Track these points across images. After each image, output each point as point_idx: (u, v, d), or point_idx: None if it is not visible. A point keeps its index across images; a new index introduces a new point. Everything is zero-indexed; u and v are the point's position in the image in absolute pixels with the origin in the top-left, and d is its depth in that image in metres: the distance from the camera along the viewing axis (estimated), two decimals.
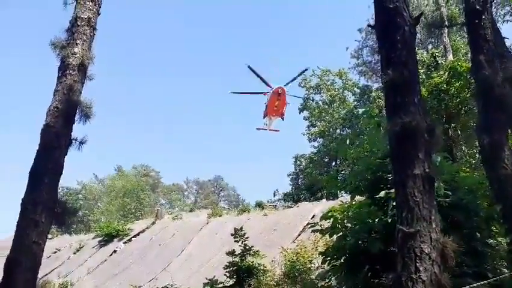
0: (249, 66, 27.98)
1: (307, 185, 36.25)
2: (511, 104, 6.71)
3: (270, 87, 28.02)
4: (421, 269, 4.53)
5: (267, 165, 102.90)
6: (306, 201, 30.97)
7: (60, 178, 6.29)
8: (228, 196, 69.53)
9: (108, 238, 28.66)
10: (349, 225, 8.91)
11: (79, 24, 6.85)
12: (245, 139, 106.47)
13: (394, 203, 8.26)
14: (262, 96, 27.84)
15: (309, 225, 10.67)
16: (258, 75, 27.58)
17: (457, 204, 8.00)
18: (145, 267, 23.53)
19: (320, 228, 9.84)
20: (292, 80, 29.71)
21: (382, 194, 8.55)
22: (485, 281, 5.97)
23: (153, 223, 30.35)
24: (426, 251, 4.57)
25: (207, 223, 27.24)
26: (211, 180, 69.30)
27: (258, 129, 32.60)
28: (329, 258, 9.71)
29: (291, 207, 27.07)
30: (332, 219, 9.15)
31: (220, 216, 28.47)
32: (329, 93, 32.62)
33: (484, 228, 8.30)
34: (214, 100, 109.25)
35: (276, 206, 30.27)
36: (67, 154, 6.39)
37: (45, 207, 5.88)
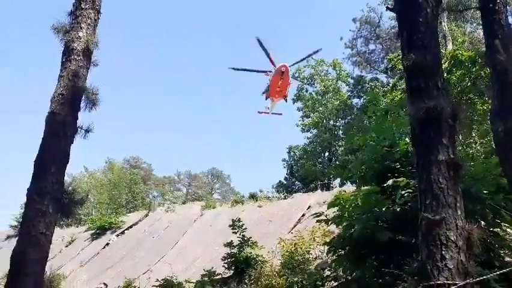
0: (258, 40, 27.11)
1: (301, 176, 36.28)
2: None
3: (274, 66, 27.23)
4: (447, 256, 4.45)
5: (261, 155, 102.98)
6: (301, 192, 31.04)
7: (66, 167, 6.05)
8: (222, 187, 69.34)
9: (101, 231, 28.36)
10: (356, 214, 8.83)
11: (83, 7, 6.55)
12: (239, 128, 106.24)
13: (403, 192, 8.29)
14: (262, 78, 27.07)
15: (313, 215, 10.60)
16: (265, 51, 26.69)
17: (464, 192, 8.00)
18: (138, 260, 23.34)
19: (324, 218, 9.78)
20: (301, 61, 28.89)
21: (390, 182, 8.48)
22: (500, 271, 5.91)
23: (146, 215, 30.14)
24: (452, 239, 4.49)
25: (201, 215, 27.13)
26: (204, 172, 69.18)
27: (259, 112, 31.85)
28: (333, 247, 9.66)
29: (286, 198, 27.08)
30: (339, 206, 9.05)
31: (213, 208, 28.37)
32: (323, 83, 32.53)
33: (490, 216, 8.31)
34: (206, 90, 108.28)
35: (269, 197, 30.21)
36: (73, 142, 6.14)
37: (52, 197, 5.64)
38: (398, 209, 8.09)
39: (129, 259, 23.78)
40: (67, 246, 28.52)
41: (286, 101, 28.63)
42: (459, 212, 4.63)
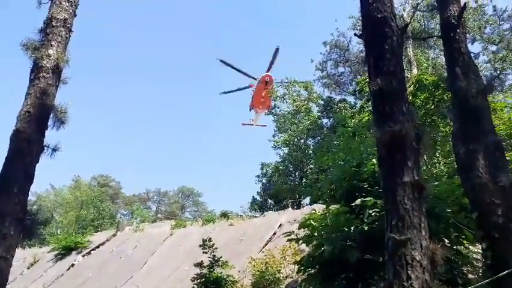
0: (220, 60, 26.81)
1: (272, 194, 36.32)
2: (484, 115, 6.97)
3: (253, 77, 27.16)
4: (413, 276, 4.55)
5: (234, 172, 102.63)
6: (272, 210, 31.02)
7: (30, 187, 5.85)
8: (194, 206, 68.34)
9: (66, 251, 27.35)
10: (326, 233, 8.94)
11: (54, 24, 6.48)
12: (212, 147, 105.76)
13: (370, 211, 8.48)
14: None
15: (284, 234, 10.63)
16: (234, 68, 26.54)
17: (428, 211, 8.25)
18: (105, 281, 22.58)
19: (295, 237, 9.83)
20: (271, 65, 28.81)
21: (358, 201, 8.67)
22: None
23: (114, 235, 29.33)
24: (417, 259, 4.60)
25: (171, 234, 26.66)
26: (175, 190, 68.07)
27: (243, 124, 31.68)
28: (303, 266, 9.69)
29: (257, 216, 27.01)
30: (310, 227, 9.13)
31: (184, 227, 27.95)
32: (295, 103, 33.10)
33: (454, 235, 8.60)
34: (178, 108, 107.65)
35: (241, 215, 30.08)
36: (38, 162, 5.96)
37: (14, 218, 5.43)
38: (366, 228, 8.23)
39: (95, 281, 22.97)
40: (29, 268, 27.27)
41: (270, 112, 28.62)
42: (423, 232, 4.77)
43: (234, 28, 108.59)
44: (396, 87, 5.30)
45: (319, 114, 35.49)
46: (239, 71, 28.15)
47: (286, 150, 36.23)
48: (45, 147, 6.14)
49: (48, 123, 6.25)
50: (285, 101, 31.62)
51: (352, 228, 8.46)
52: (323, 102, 35.20)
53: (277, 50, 28.58)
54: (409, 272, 4.57)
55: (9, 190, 5.57)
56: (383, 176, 5.18)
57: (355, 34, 6.15)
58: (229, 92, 30.10)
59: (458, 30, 7.25)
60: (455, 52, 7.22)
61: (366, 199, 8.47)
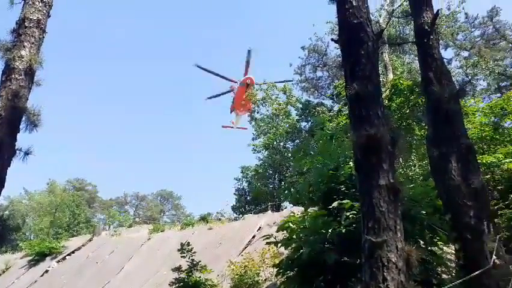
0: (197, 66, 26.72)
1: (252, 197, 36.28)
2: (457, 118, 7.17)
3: (232, 80, 26.95)
4: (388, 278, 4.62)
5: (214, 175, 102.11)
6: (251, 213, 30.99)
7: (1, 192, 5.68)
8: (172, 210, 67.56)
9: (39, 257, 26.62)
10: (304, 236, 8.99)
11: (27, 25, 6.33)
12: (191, 151, 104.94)
13: (347, 214, 8.59)
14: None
15: (263, 237, 10.65)
16: (211, 72, 26.48)
17: (403, 214, 8.41)
18: (81, 287, 22.09)
19: (274, 240, 9.86)
20: (247, 67, 28.66)
21: (335, 204, 8.76)
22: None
23: (90, 240, 28.74)
24: (393, 260, 4.68)
25: (148, 239, 26.31)
26: (153, 193, 67.18)
27: (224, 127, 31.42)
28: (282, 269, 9.72)
29: (237, 219, 26.93)
30: (288, 230, 9.17)
31: (162, 231, 27.61)
32: (273, 107, 33.23)
33: (428, 236, 8.79)
34: (157, 111, 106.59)
35: (220, 219, 29.91)
36: (10, 165, 5.79)
37: None
38: (344, 231, 8.33)
39: (71, 286, 22.44)
40: (0, 275, 26.38)
41: (251, 114, 28.47)
42: (399, 234, 4.86)
43: (212, 32, 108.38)
44: (372, 92, 5.40)
45: (297, 117, 35.74)
46: (217, 75, 28.08)
47: (266, 153, 36.32)
48: (18, 151, 5.98)
49: (21, 126, 6.09)
50: (264, 105, 31.78)
51: (330, 230, 8.54)
52: (301, 105, 35.49)
53: (249, 51, 28.73)
54: (385, 273, 4.64)
55: None
56: (359, 178, 5.26)
57: (332, 39, 6.24)
58: (214, 96, 30.02)
59: (432, 37, 7.45)
60: (428, 58, 7.41)
61: (343, 202, 8.57)
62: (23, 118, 6.11)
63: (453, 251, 8.28)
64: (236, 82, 27.37)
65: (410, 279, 4.84)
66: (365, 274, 4.81)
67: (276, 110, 32.04)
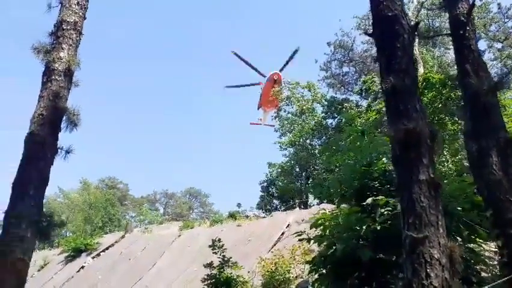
0: (234, 53, 26.72)
1: (279, 194, 36.22)
2: (495, 111, 6.92)
3: (262, 75, 26.92)
4: (432, 275, 4.51)
5: (241, 172, 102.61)
6: (279, 210, 30.97)
7: (45, 190, 5.89)
8: (200, 207, 68.33)
9: (75, 253, 27.46)
10: (337, 233, 8.90)
11: (65, 27, 6.53)
12: (218, 147, 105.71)
13: (382, 210, 8.44)
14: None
15: (294, 234, 10.61)
16: (246, 63, 26.49)
17: None
18: (115, 283, 22.68)
19: (306, 236, 9.80)
20: (286, 64, 28.59)
21: (369, 200, 8.62)
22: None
23: (122, 237, 29.42)
24: (436, 257, 4.56)
25: (179, 235, 26.69)
26: (182, 191, 68.11)
27: (252, 124, 31.45)
28: (315, 266, 9.66)
29: (265, 217, 26.97)
30: (321, 227, 9.10)
31: (192, 228, 27.95)
32: (298, 103, 33.05)
33: (466, 233, 8.54)
34: (184, 109, 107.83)
35: (248, 216, 30.04)
36: (52, 164, 6.00)
37: (31, 221, 5.46)
38: (378, 227, 8.20)
39: (105, 282, 23.08)
40: (39, 271, 27.39)
41: (279, 111, 28.15)
42: (441, 230, 4.74)
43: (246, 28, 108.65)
44: (409, 85, 5.28)
45: (323, 114, 35.40)
46: (251, 66, 28.01)
47: (292, 150, 36.16)
48: (59, 149, 6.18)
49: (61, 126, 6.29)
50: (290, 104, 31.59)
51: (364, 227, 8.42)
52: (326, 102, 35.12)
53: (296, 51, 28.50)
54: (428, 270, 4.53)
55: (25, 193, 5.61)
56: (398, 174, 5.15)
57: (365, 33, 6.15)
58: (234, 86, 29.92)
59: (468, 28, 7.21)
60: (465, 49, 7.18)
61: (377, 198, 8.42)
62: (64, 118, 6.31)
63: (492, 249, 8.05)
64: (265, 76, 27.19)
65: (455, 277, 4.72)
66: (407, 270, 4.70)
67: (299, 106, 31.80)
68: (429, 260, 4.55)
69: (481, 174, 6.71)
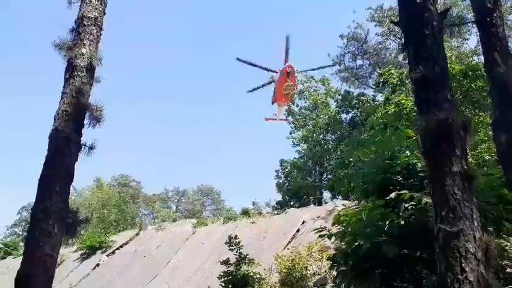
0: (238, 59, 26.52)
1: (293, 191, 36.07)
2: None
3: (274, 71, 26.57)
4: (467, 269, 4.39)
5: (253, 169, 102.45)
6: (292, 206, 30.84)
7: (71, 186, 5.90)
8: (213, 204, 68.33)
9: (90, 251, 27.69)
10: (360, 228, 8.76)
11: (86, 23, 6.52)
12: (230, 143, 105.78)
13: (406, 205, 8.28)
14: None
15: (314, 230, 10.50)
16: (252, 65, 26.21)
17: None
18: (131, 280, 22.83)
19: (327, 233, 9.68)
20: (287, 54, 28.21)
21: (393, 195, 8.45)
22: None
23: (137, 234, 29.57)
24: (471, 251, 4.44)
25: (193, 233, 26.74)
26: (193, 188, 68.28)
27: (266, 119, 31.32)
28: (336, 263, 9.55)
29: (279, 213, 26.86)
30: (344, 223, 8.98)
31: (205, 225, 27.97)
32: (311, 98, 32.78)
33: (492, 227, 8.34)
34: (194, 106, 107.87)
35: (262, 213, 29.97)
36: (77, 160, 6.01)
37: (57, 217, 5.47)
38: (402, 222, 8.05)
39: (121, 280, 23.24)
40: (56, 268, 27.71)
41: (293, 103, 27.81)
42: (476, 223, 4.61)
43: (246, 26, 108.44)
44: (439, 74, 5.15)
45: (337, 109, 35.09)
46: (257, 66, 27.78)
47: (305, 146, 35.92)
48: (83, 146, 6.18)
49: (85, 122, 6.29)
50: (303, 98, 31.34)
51: (387, 222, 8.28)
52: (340, 96, 34.80)
53: (287, 38, 28.15)
54: (463, 264, 4.41)
55: (51, 189, 5.63)
56: (429, 166, 5.02)
57: (391, 21, 5.99)
58: (255, 89, 29.80)
59: (495, 15, 7.02)
60: (492, 37, 7.00)
61: (401, 192, 8.26)
62: (87, 114, 6.31)
63: None
64: (277, 72, 26.91)
65: (490, 271, 4.58)
66: (441, 265, 4.58)
67: (313, 100, 31.46)
68: (464, 254, 4.42)
69: (511, 164, 6.55)
